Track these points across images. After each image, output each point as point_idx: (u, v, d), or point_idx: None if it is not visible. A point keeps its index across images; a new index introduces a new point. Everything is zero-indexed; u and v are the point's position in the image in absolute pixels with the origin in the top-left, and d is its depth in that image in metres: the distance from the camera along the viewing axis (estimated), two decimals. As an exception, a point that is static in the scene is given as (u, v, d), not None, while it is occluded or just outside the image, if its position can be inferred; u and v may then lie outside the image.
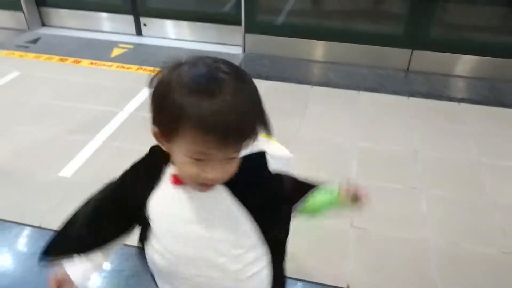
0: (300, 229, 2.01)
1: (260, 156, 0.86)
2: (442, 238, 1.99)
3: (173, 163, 0.80)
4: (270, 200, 0.87)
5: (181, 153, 0.70)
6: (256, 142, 0.71)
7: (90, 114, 2.89)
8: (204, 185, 0.76)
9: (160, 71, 0.72)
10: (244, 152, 0.72)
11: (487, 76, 3.48)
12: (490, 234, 2.02)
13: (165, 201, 0.84)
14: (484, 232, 2.03)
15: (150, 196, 0.84)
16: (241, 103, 0.65)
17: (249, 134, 0.68)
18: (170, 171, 0.82)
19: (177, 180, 0.80)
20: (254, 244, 0.87)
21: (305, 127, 2.80)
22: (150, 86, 0.73)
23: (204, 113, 0.63)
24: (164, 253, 0.87)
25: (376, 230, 2.02)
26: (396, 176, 2.37)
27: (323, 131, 2.76)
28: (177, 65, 0.71)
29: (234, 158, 0.72)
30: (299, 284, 1.74)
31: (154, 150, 0.83)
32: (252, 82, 0.72)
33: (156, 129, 0.73)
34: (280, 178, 0.91)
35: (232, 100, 0.64)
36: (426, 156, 2.54)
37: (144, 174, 0.86)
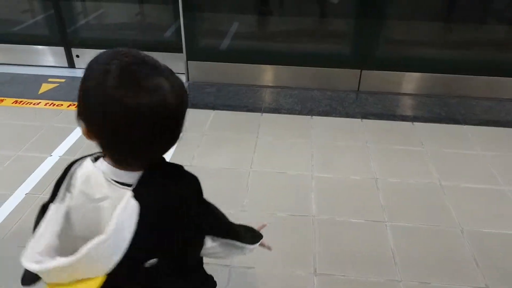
0: (263, 275, 1.79)
1: None
2: (414, 277, 1.81)
3: None
4: None
5: None
6: None
7: (12, 162, 2.52)
8: None
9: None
10: None
11: (437, 92, 3.45)
12: (462, 267, 1.87)
13: None
14: (456, 266, 1.88)
15: None
16: None
17: None
18: None
19: None
20: None
21: (258, 159, 2.58)
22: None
23: None
24: None
25: (342, 275, 1.82)
26: (358, 209, 2.19)
27: (278, 162, 2.55)
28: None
29: None
30: None
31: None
32: None
33: None
34: None
35: None
36: (386, 183, 2.39)
37: None
